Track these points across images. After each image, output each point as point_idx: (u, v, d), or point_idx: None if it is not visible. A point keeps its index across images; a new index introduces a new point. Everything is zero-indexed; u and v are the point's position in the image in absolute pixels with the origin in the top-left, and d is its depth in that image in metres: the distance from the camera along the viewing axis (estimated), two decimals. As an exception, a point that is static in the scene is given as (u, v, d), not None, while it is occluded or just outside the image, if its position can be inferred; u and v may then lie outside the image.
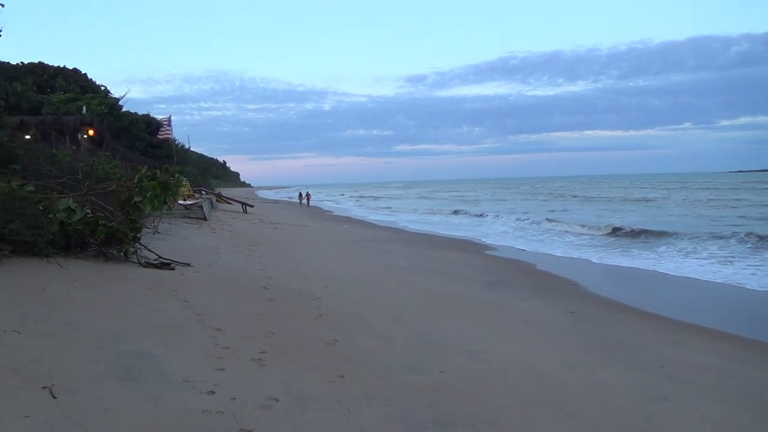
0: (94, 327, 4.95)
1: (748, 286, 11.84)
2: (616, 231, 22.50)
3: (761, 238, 18.35)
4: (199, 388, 3.85)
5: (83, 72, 52.06)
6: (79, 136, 20.44)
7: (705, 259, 15.65)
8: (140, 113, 50.12)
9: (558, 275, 13.32)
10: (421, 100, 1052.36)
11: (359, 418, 3.91)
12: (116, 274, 7.53)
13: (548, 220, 29.40)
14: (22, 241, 7.31)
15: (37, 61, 47.97)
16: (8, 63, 42.90)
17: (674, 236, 20.28)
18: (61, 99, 34.53)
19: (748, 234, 19.20)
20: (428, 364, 5.41)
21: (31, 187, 7.79)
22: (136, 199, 8.19)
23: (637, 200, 49.10)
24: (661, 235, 20.93)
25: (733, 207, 37.09)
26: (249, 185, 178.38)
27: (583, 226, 25.01)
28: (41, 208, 7.99)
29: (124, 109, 46.64)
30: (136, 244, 8.61)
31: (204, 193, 33.20)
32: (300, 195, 53.45)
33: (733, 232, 20.09)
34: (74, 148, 15.93)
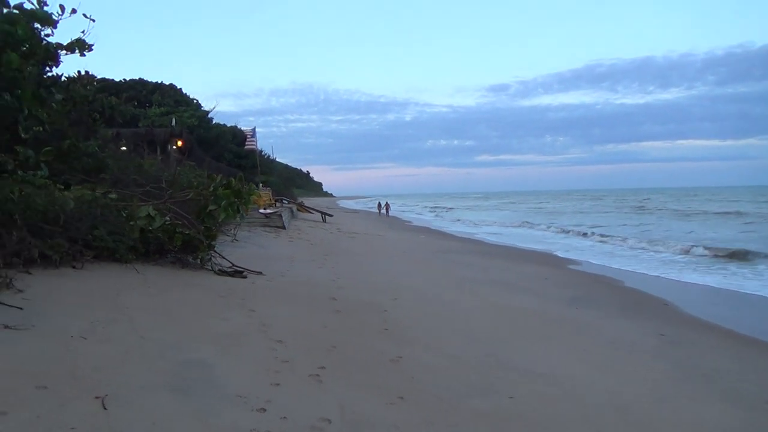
0: (159, 334, 4.98)
1: None
2: (711, 248, 20.76)
3: None
4: (251, 405, 3.71)
5: (179, 87, 55.18)
6: (169, 147, 21.52)
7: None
8: (229, 125, 52.45)
9: (647, 293, 12.38)
10: (503, 109, 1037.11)
11: (417, 445, 3.62)
12: (190, 281, 7.66)
13: (636, 234, 27.69)
14: (104, 247, 7.61)
15: (137, 78, 51.45)
16: (112, 80, 46.18)
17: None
18: (156, 113, 36.65)
19: None
20: (497, 388, 5.02)
21: (113, 195, 8.10)
22: (211, 207, 8.35)
23: (736, 214, 45.42)
24: (761, 255, 19.08)
25: None
26: (331, 195, 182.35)
27: (675, 242, 23.33)
28: (124, 215, 8.32)
29: (214, 122, 48.97)
30: (211, 252, 8.77)
31: (285, 202, 34.07)
32: (379, 205, 53.80)
33: None
34: (160, 158, 16.69)
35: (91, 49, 9.00)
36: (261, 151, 48.71)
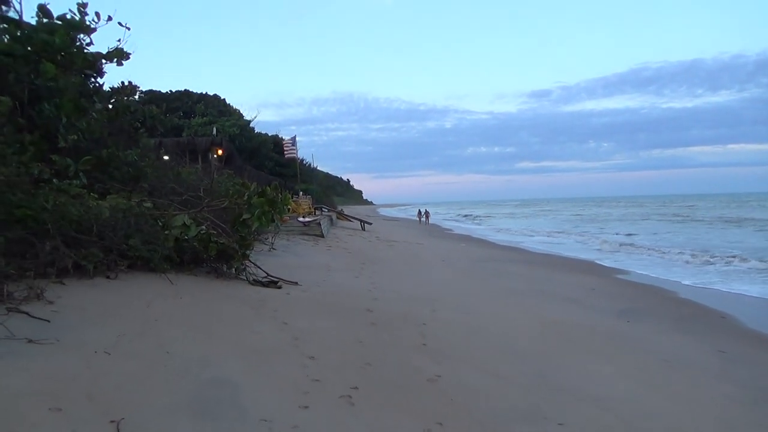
0: (186, 349, 4.78)
1: None
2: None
3: None
4: (275, 431, 3.44)
5: (222, 97, 56.32)
6: (210, 156, 21.73)
7: None
8: (270, 134, 53.15)
9: (701, 304, 11.65)
10: (544, 115, 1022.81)
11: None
12: (223, 292, 7.50)
13: (685, 243, 26.43)
14: (139, 257, 7.52)
15: (183, 89, 52.77)
16: (159, 91, 47.48)
17: None
18: (198, 123, 37.32)
19: None
20: (545, 412, 4.61)
21: (148, 204, 8.03)
22: (245, 216, 8.19)
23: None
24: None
25: None
26: (371, 203, 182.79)
27: (727, 250, 22.13)
28: (160, 224, 8.24)
29: (256, 131, 49.67)
30: (245, 262, 8.61)
31: (325, 210, 34.06)
32: (419, 213, 53.45)
33: None
34: (199, 166, 16.81)
35: (129, 58, 9.03)
36: (302, 160, 49.06)
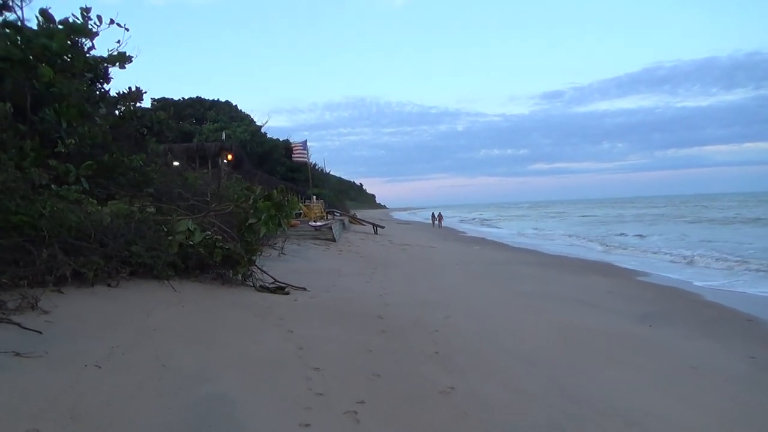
0: (183, 362, 4.52)
1: None
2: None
3: None
4: (272, 453, 3.16)
5: (234, 103, 56.45)
6: (219, 161, 21.59)
7: None
8: (282, 140, 53.12)
9: (727, 306, 11.20)
10: (557, 117, 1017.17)
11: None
12: (228, 299, 7.24)
13: (703, 243, 25.78)
14: (141, 263, 7.30)
15: (195, 96, 52.97)
16: (171, 99, 47.69)
17: None
18: (210, 128, 37.33)
19: None
20: (566, 428, 4.27)
21: (151, 209, 7.81)
22: (251, 220, 7.94)
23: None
24: None
25: None
26: (384, 207, 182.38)
27: (748, 251, 21.50)
28: (164, 230, 8.02)
29: (268, 136, 49.67)
30: (252, 267, 8.36)
31: (337, 214, 33.83)
32: (433, 216, 53.11)
33: None
34: (206, 171, 16.65)
35: (131, 61, 8.85)
36: (314, 164, 48.97)
